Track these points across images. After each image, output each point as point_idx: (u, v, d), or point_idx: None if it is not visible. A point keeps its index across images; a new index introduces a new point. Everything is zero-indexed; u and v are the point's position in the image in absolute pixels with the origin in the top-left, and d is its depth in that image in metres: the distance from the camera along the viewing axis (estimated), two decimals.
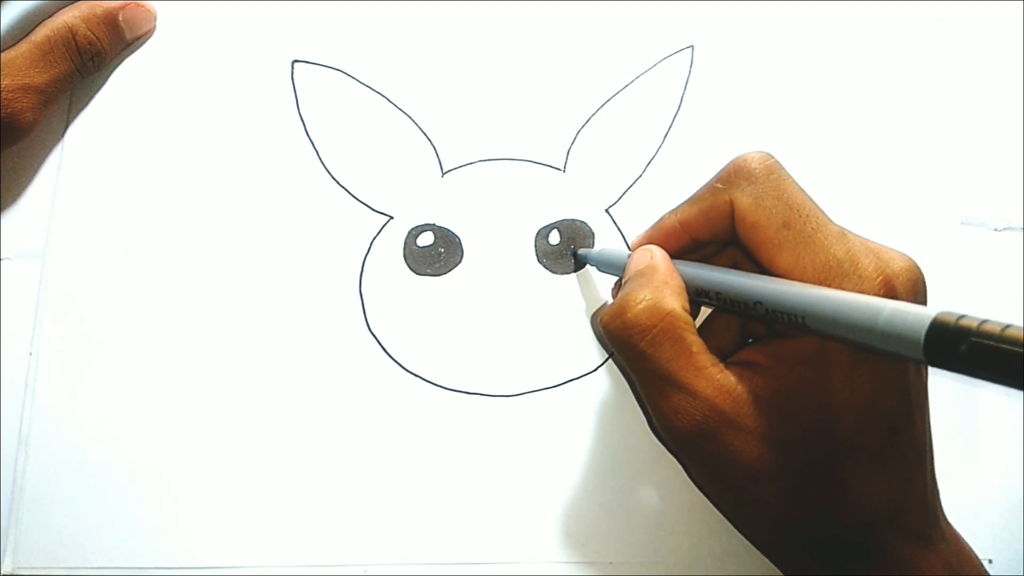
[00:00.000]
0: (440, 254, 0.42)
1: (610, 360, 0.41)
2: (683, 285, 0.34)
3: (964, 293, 0.42)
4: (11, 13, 0.43)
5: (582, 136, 0.43)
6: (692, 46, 0.44)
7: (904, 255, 0.32)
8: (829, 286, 0.30)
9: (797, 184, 0.34)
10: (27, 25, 0.42)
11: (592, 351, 0.41)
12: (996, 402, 0.42)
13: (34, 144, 0.42)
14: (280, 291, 0.41)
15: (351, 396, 0.40)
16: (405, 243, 0.42)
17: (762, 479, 0.31)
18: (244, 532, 0.39)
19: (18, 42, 0.40)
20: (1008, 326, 0.24)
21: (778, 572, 0.35)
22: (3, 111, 0.39)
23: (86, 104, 0.43)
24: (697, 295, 0.34)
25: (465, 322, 0.41)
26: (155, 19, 0.44)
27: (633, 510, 0.39)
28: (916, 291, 0.32)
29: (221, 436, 0.40)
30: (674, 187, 0.43)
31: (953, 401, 0.41)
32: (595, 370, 0.41)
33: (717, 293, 0.33)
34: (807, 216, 0.32)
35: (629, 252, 0.37)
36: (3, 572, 0.39)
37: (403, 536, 0.39)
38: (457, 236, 0.42)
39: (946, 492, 0.41)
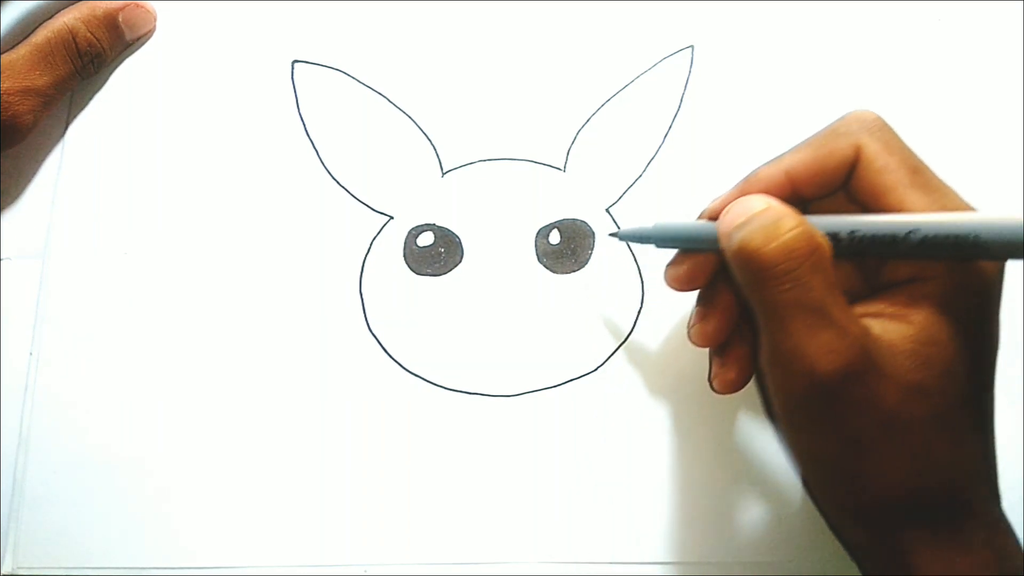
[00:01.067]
0: (440, 254, 0.42)
1: (610, 360, 0.41)
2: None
3: None
4: (11, 14, 0.43)
5: (582, 136, 0.43)
6: (692, 46, 0.44)
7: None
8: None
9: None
10: (27, 27, 0.42)
11: (593, 351, 0.41)
12: (996, 402, 0.42)
13: (34, 145, 0.43)
14: (280, 291, 0.41)
15: (351, 396, 0.40)
16: (405, 243, 0.42)
17: (897, 429, 0.30)
18: (244, 532, 0.39)
19: (18, 44, 0.41)
20: None
21: (790, 565, 0.35)
22: (3, 114, 0.39)
23: (86, 104, 0.43)
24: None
25: (465, 322, 0.41)
26: (155, 20, 0.44)
27: (633, 510, 0.39)
28: None
29: (221, 436, 0.40)
30: (674, 187, 0.43)
31: None
32: (595, 370, 0.41)
33: (851, 232, 0.32)
34: (926, 167, 0.33)
35: (700, 220, 0.36)
36: (3, 572, 0.39)
37: (403, 536, 0.39)
38: (457, 236, 0.42)
39: None
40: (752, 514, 0.40)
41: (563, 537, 0.39)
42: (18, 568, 0.39)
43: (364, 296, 0.42)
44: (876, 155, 0.33)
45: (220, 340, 0.41)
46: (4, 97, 0.39)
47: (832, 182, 0.34)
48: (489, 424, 0.40)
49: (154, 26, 0.44)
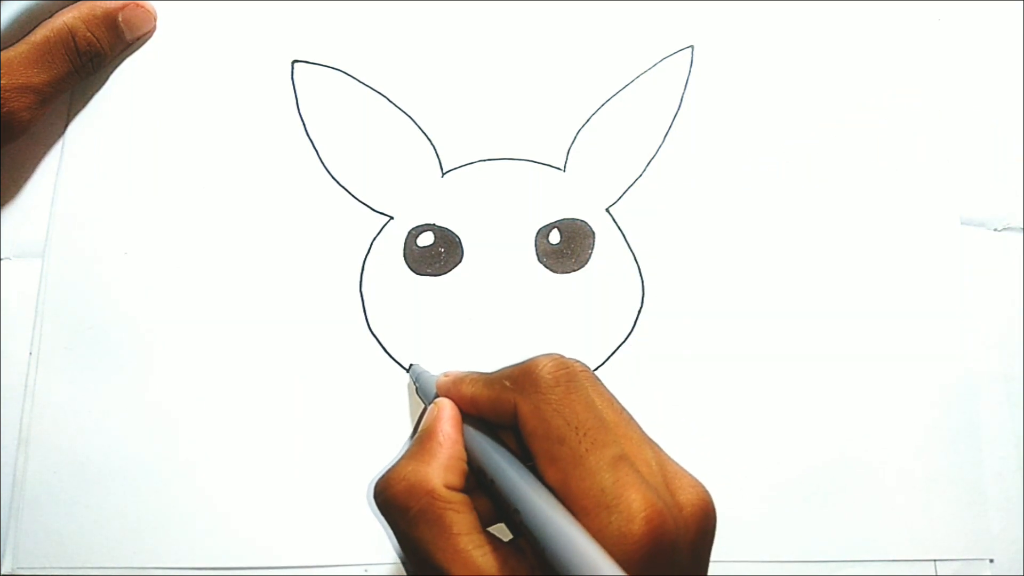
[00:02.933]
0: (440, 254, 0.42)
1: (610, 359, 0.41)
2: (462, 455, 0.33)
3: (964, 293, 0.42)
4: (10, 13, 0.43)
5: (582, 135, 0.43)
6: (692, 46, 0.44)
7: (697, 484, 0.31)
8: (589, 516, 0.29)
9: (591, 398, 0.32)
10: (27, 25, 0.42)
11: (593, 350, 0.41)
12: (996, 402, 0.42)
13: (34, 144, 0.43)
14: (280, 291, 0.41)
15: (351, 395, 0.40)
16: (405, 243, 0.42)
17: None
18: (244, 532, 0.39)
19: (17, 42, 0.40)
20: None
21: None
22: (0, 110, 0.39)
23: (86, 104, 0.43)
24: (479, 472, 0.32)
25: (465, 322, 0.41)
26: (155, 19, 0.44)
27: None
28: (700, 527, 0.30)
29: (221, 436, 0.40)
30: (674, 186, 0.43)
31: (953, 401, 0.41)
32: (595, 369, 0.41)
33: (491, 480, 0.31)
34: (584, 434, 0.30)
35: (434, 392, 0.36)
36: (3, 572, 0.39)
37: None
38: (457, 236, 0.42)
39: (946, 493, 0.41)
40: (751, 512, 0.40)
41: None
42: (18, 568, 0.39)
43: (364, 296, 0.42)
44: (526, 418, 0.31)
45: (220, 340, 0.41)
46: (1, 93, 0.39)
47: (506, 423, 0.33)
48: None
49: (154, 26, 0.44)
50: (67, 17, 0.41)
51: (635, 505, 0.28)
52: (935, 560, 0.40)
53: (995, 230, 0.43)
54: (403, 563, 0.38)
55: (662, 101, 0.44)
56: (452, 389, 0.35)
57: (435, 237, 0.42)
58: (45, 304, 0.41)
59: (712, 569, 0.38)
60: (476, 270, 0.42)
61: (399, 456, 0.33)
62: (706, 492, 0.31)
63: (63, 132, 0.43)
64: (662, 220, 0.42)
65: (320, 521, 0.39)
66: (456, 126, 0.43)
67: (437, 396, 0.35)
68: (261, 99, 0.43)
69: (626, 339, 0.41)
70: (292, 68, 0.44)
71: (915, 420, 0.41)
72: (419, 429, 0.34)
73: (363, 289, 0.42)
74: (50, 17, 0.41)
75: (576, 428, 0.30)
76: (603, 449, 0.30)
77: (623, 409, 0.33)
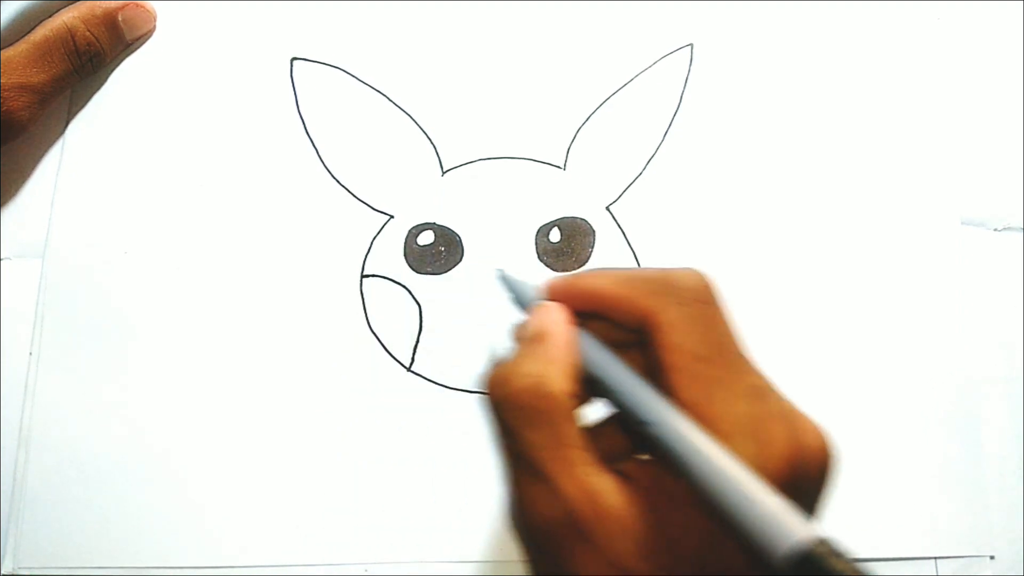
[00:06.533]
0: (441, 252, 0.42)
1: None
2: (578, 363, 0.31)
3: (964, 293, 0.42)
4: (10, 13, 0.43)
5: (582, 134, 0.43)
6: (691, 44, 0.44)
7: (821, 429, 0.29)
8: (727, 442, 0.27)
9: (729, 322, 0.30)
10: (26, 25, 0.42)
11: None
12: (996, 402, 0.42)
13: (34, 144, 0.43)
14: (281, 291, 0.41)
15: (352, 395, 0.40)
16: (405, 242, 0.42)
17: None
18: (244, 531, 0.39)
19: (17, 41, 0.40)
20: None
21: None
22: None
23: (86, 104, 0.43)
24: (590, 384, 0.31)
25: (466, 321, 0.41)
26: (155, 19, 0.44)
27: None
28: (822, 473, 0.29)
29: (221, 436, 0.40)
30: (674, 185, 0.43)
31: (953, 401, 0.41)
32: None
33: (613, 391, 0.30)
34: (728, 358, 0.29)
35: (535, 297, 0.33)
36: (3, 572, 0.39)
37: (404, 535, 0.39)
38: (457, 235, 0.42)
39: (946, 492, 0.41)
40: None
41: None
42: (18, 568, 0.39)
43: (364, 296, 0.42)
44: (666, 328, 0.29)
45: (220, 340, 0.41)
46: (1, 93, 0.39)
47: (630, 325, 0.31)
48: None
49: (154, 26, 0.44)
50: (67, 17, 0.41)
51: (777, 438, 0.27)
52: (936, 558, 0.40)
53: (995, 230, 0.43)
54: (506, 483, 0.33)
55: (662, 99, 0.44)
56: (568, 286, 0.32)
57: (435, 236, 0.42)
58: (45, 304, 0.41)
59: None
60: (476, 269, 0.42)
61: (514, 356, 0.30)
62: (830, 440, 0.29)
63: (63, 132, 0.43)
64: (662, 218, 0.42)
65: (320, 521, 0.39)
66: (456, 125, 0.43)
67: (538, 301, 0.33)
68: (260, 98, 0.43)
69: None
70: (291, 66, 0.44)
71: (915, 420, 0.41)
72: (527, 329, 0.31)
73: (363, 289, 0.42)
74: (50, 17, 0.41)
75: (720, 350, 0.29)
76: (745, 376, 0.29)
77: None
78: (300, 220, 0.42)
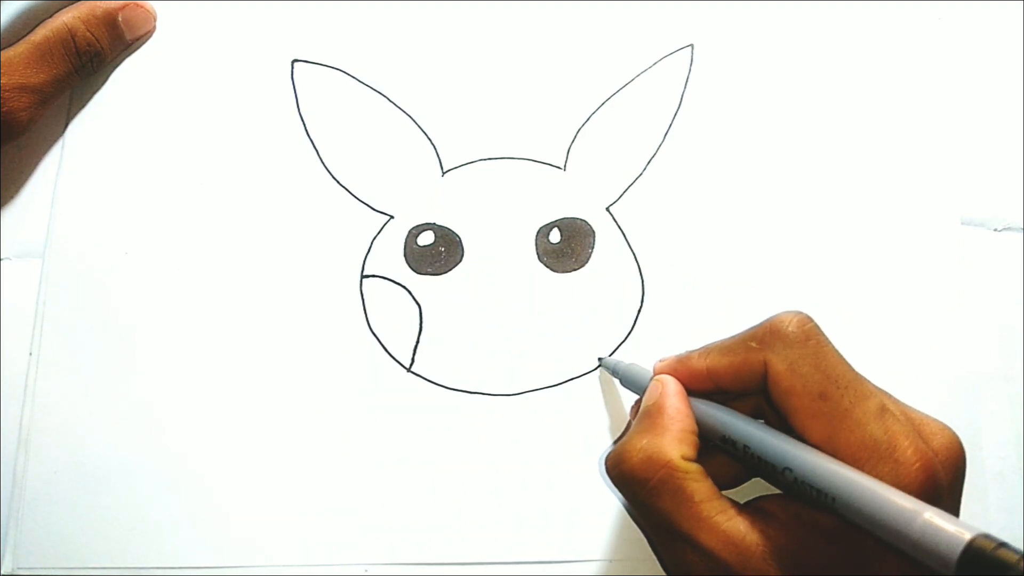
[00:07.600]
0: (441, 253, 0.42)
1: (610, 359, 0.41)
2: (693, 427, 0.33)
3: (964, 293, 0.42)
4: (10, 13, 0.43)
5: (582, 134, 0.43)
6: (692, 45, 0.44)
7: (944, 427, 0.31)
8: (863, 468, 0.29)
9: (837, 351, 0.32)
10: (27, 25, 0.42)
11: (593, 350, 0.41)
12: (996, 402, 0.42)
13: (34, 144, 0.43)
14: (281, 291, 0.41)
15: (352, 396, 0.40)
16: (405, 242, 0.42)
17: None
18: (244, 532, 0.39)
19: (17, 41, 0.40)
20: None
21: None
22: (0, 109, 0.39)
23: (86, 104, 0.43)
24: (722, 442, 0.33)
25: (466, 321, 0.41)
26: (155, 19, 0.44)
27: None
28: (957, 471, 0.31)
29: (221, 436, 0.40)
30: (674, 185, 0.43)
31: (953, 401, 0.41)
32: (595, 369, 0.41)
33: (745, 446, 0.32)
34: (845, 388, 0.30)
35: (650, 375, 0.36)
36: (3, 572, 0.39)
37: (404, 536, 0.39)
38: (457, 235, 0.42)
39: None
40: None
41: (564, 535, 0.39)
42: (18, 568, 0.39)
43: (364, 296, 0.42)
44: (781, 376, 0.31)
45: (220, 340, 0.41)
46: (1, 93, 0.39)
47: (752, 389, 0.33)
48: (489, 423, 0.40)
49: (154, 26, 0.44)
50: (67, 17, 0.41)
51: (909, 453, 0.29)
52: None
53: (995, 230, 0.43)
54: (653, 549, 0.38)
55: (662, 100, 0.44)
56: (678, 367, 0.35)
57: (435, 236, 0.42)
58: (45, 304, 0.41)
59: None
60: (476, 269, 0.42)
61: (628, 435, 0.33)
62: (956, 435, 0.31)
63: (63, 132, 0.43)
64: (662, 219, 0.42)
65: (320, 521, 0.39)
66: (456, 125, 0.43)
67: (654, 378, 0.35)
68: (261, 99, 0.43)
69: (626, 338, 0.41)
70: (292, 68, 0.44)
71: None
72: (643, 406, 0.34)
73: (363, 289, 0.42)
74: (50, 17, 0.41)
75: (835, 382, 0.31)
76: (866, 401, 0.30)
77: None
78: (300, 221, 0.42)
